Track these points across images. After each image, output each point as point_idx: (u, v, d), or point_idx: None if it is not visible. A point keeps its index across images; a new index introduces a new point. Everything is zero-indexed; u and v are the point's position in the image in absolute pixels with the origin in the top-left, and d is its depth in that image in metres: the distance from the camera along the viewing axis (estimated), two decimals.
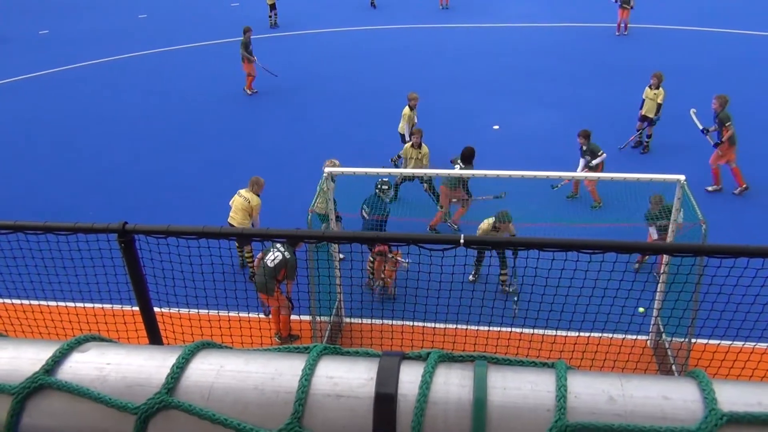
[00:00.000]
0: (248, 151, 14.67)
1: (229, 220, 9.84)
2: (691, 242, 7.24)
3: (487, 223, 9.32)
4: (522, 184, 9.37)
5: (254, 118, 16.61)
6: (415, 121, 13.28)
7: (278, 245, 8.34)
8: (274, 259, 8.34)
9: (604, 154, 11.63)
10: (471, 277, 9.60)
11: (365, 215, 9.84)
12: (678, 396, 1.00)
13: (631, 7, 21.16)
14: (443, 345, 5.96)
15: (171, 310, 5.68)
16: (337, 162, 10.50)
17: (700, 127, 12.13)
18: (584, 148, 11.70)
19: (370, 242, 2.87)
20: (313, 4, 27.48)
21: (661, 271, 8.31)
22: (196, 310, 5.87)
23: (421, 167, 11.75)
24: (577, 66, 18.97)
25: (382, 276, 9.65)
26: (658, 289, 8.08)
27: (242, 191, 10.08)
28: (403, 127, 13.29)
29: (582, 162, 11.78)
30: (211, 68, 20.25)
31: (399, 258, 9.29)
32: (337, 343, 9.03)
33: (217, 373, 1.08)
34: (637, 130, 13.89)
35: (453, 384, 1.03)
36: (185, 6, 28.34)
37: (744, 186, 12.08)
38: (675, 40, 20.83)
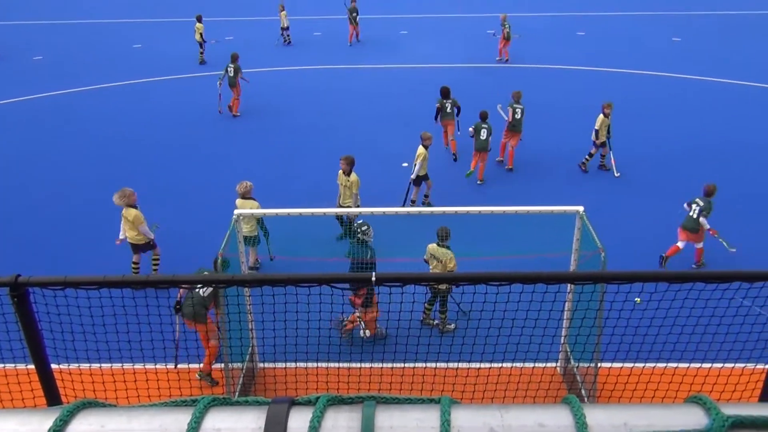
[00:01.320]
0: (159, 192, 14.21)
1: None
2: (592, 270, 7.59)
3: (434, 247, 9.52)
4: (431, 220, 9.57)
5: (164, 161, 16.17)
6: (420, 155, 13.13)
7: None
8: (206, 290, 8.26)
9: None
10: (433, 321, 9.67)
11: (352, 264, 9.41)
12: (553, 422, 1.06)
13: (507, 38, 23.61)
14: (368, 386, 5.91)
15: (71, 366, 5.35)
16: (249, 184, 10.97)
17: (506, 119, 15.37)
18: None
19: (281, 284, 2.81)
20: (225, 43, 27.30)
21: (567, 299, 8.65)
22: (98, 365, 5.56)
23: (349, 195, 11.89)
24: (481, 104, 19.70)
25: (364, 328, 9.08)
26: (564, 317, 8.39)
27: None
28: (419, 167, 13.04)
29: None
30: (114, 109, 19.62)
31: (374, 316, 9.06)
32: (251, 390, 8.78)
33: None
34: (601, 155, 15.25)
35: (341, 427, 1.04)
36: (85, 48, 27.40)
37: (510, 167, 15.40)
38: (551, 77, 22.09)
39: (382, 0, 34.18)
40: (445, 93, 16.03)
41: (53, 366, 3.31)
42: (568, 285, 8.07)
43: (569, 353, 8.70)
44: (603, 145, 14.88)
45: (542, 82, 21.52)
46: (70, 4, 34.28)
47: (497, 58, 24.39)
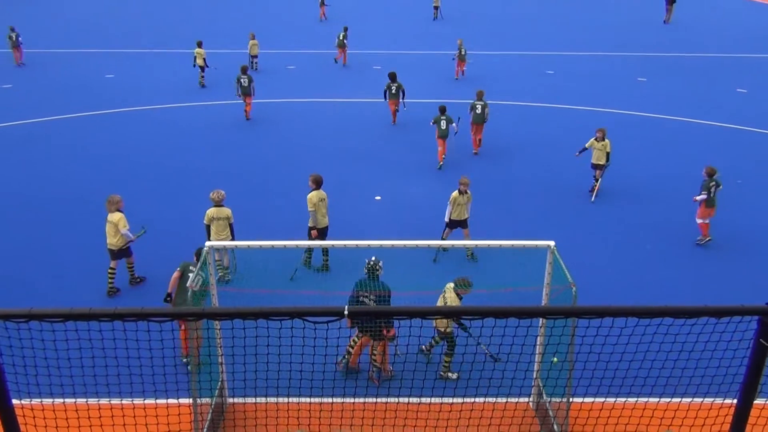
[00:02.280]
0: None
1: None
2: (562, 305, 7.64)
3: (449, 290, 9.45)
4: (404, 254, 9.57)
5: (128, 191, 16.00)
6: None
7: (196, 269, 8.99)
8: (198, 282, 8.68)
9: None
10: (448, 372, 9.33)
11: (367, 301, 9.21)
12: None
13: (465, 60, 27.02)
14: (339, 421, 5.82)
15: (33, 402, 5.19)
16: (222, 193, 11.80)
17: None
18: None
19: (254, 318, 2.77)
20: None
21: (539, 334, 8.68)
22: (62, 400, 5.40)
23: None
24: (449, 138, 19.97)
25: (373, 361, 9.23)
26: (537, 351, 8.40)
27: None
28: (451, 211, 12.67)
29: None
30: (88, 139, 19.44)
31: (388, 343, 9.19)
32: (220, 427, 8.58)
33: None
34: (594, 178, 15.91)
35: None
36: (56, 78, 27.18)
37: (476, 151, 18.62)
38: (520, 113, 22.51)
39: (360, 37, 34.66)
40: (392, 77, 20.75)
41: (14, 401, 3.21)
42: (540, 319, 8.10)
43: (542, 388, 8.70)
44: (595, 167, 15.79)
45: (512, 118, 21.91)
46: (42, 33, 34.10)
47: (455, 78, 27.24)
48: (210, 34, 31.59)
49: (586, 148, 15.89)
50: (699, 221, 13.65)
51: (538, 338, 8.45)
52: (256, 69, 28.15)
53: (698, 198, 13.40)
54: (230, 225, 11.71)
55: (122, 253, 11.58)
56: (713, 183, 13.37)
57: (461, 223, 12.81)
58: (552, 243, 8.15)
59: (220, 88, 25.36)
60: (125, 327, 3.76)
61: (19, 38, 28.82)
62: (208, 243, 8.44)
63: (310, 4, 44.92)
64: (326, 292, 11.04)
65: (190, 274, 9.19)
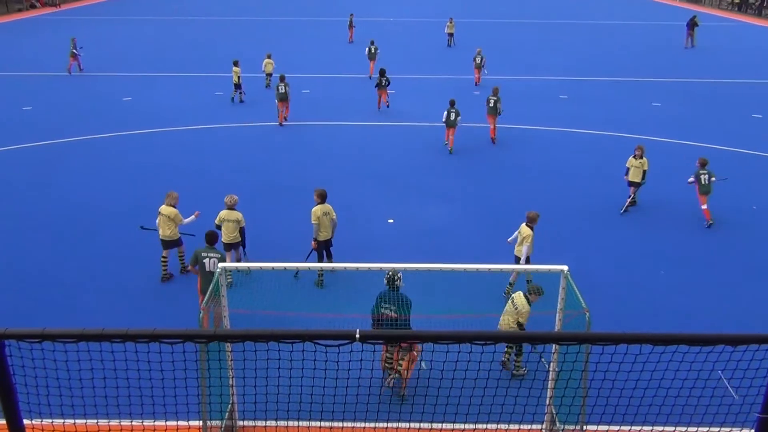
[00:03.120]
0: (139, 244, 14.12)
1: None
2: (576, 330, 7.56)
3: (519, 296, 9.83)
4: (417, 277, 9.53)
5: (146, 211, 16.14)
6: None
7: (210, 253, 10.56)
8: (212, 262, 10.42)
9: None
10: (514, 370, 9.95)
11: (391, 314, 9.25)
12: None
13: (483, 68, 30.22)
14: None
15: (43, 422, 5.19)
16: (236, 198, 12.59)
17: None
18: None
19: (265, 340, 2.75)
20: (182, 102, 27.64)
21: (552, 360, 8.58)
22: (72, 420, 5.39)
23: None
24: (466, 162, 20.01)
25: (397, 368, 9.43)
26: (550, 377, 8.31)
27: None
28: (521, 250, 11.98)
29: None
30: (107, 161, 19.67)
31: (416, 354, 9.41)
32: None
33: None
34: (629, 195, 16.34)
35: None
36: (74, 100, 27.61)
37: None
38: (542, 140, 22.53)
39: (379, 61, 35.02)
40: (381, 72, 25.45)
41: (25, 422, 3.21)
42: (553, 345, 8.02)
43: (555, 414, 8.58)
44: (631, 184, 16.24)
45: (527, 142, 21.94)
46: (62, 57, 34.66)
47: (476, 84, 29.99)
48: (241, 57, 31.93)
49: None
50: (703, 207, 15.52)
51: (551, 364, 8.37)
52: (268, 87, 29.30)
53: (689, 180, 15.72)
54: (241, 229, 12.45)
55: (173, 243, 12.82)
56: (704, 172, 15.35)
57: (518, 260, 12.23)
58: (565, 267, 8.09)
59: (239, 109, 25.64)
60: (137, 348, 3.76)
61: (79, 48, 32.86)
62: (221, 264, 8.47)
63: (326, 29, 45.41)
64: (338, 314, 11.02)
65: (206, 260, 10.54)
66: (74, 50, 32.29)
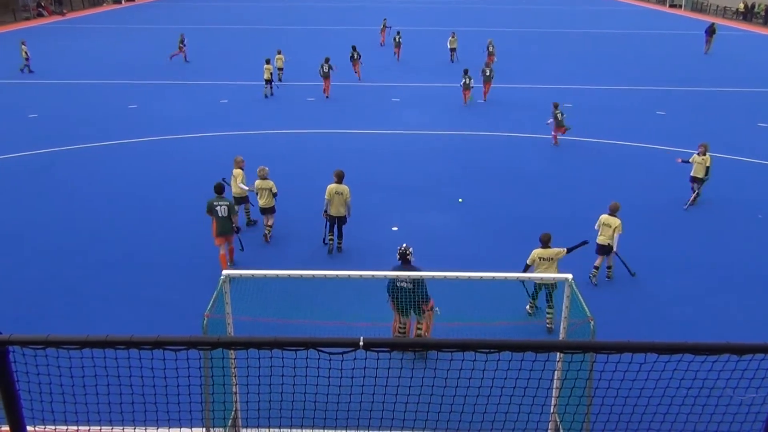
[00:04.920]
0: (147, 250, 14.14)
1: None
2: (580, 339, 7.53)
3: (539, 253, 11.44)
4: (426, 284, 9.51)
5: (152, 214, 16.17)
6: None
7: (221, 202, 12.58)
8: (223, 209, 12.57)
9: None
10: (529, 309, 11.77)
11: (405, 285, 9.90)
12: None
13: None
14: None
15: (46, 428, 5.20)
16: (266, 169, 14.53)
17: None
18: None
19: (268, 347, 2.79)
20: (195, 109, 27.74)
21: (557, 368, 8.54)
22: (75, 426, 5.40)
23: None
24: (474, 170, 20.00)
25: (417, 334, 10.04)
26: (554, 386, 8.27)
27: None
28: (613, 239, 12.85)
29: None
30: (109, 169, 19.74)
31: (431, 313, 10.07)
32: None
33: None
34: (693, 190, 17.21)
35: None
36: (78, 108, 27.73)
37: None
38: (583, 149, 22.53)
39: (375, 70, 35.13)
40: (353, 48, 32.20)
41: (28, 428, 3.22)
42: (558, 354, 7.99)
43: (559, 424, 8.54)
44: (694, 180, 17.09)
45: (531, 151, 21.93)
46: (67, 65, 34.93)
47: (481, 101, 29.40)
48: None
49: (689, 162, 17.19)
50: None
51: (556, 373, 8.33)
52: (281, 80, 31.42)
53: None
54: (274, 194, 14.45)
55: (242, 200, 15.04)
56: (558, 111, 21.23)
57: (609, 249, 13.08)
58: (570, 276, 8.07)
59: (238, 117, 25.71)
60: (140, 355, 3.77)
61: (185, 41, 37.58)
62: (225, 272, 8.46)
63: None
64: (344, 322, 11.00)
65: (218, 208, 12.57)
66: (181, 44, 36.99)
